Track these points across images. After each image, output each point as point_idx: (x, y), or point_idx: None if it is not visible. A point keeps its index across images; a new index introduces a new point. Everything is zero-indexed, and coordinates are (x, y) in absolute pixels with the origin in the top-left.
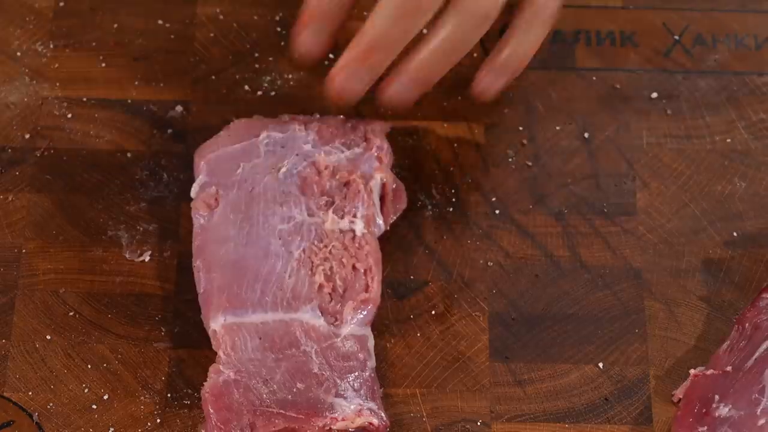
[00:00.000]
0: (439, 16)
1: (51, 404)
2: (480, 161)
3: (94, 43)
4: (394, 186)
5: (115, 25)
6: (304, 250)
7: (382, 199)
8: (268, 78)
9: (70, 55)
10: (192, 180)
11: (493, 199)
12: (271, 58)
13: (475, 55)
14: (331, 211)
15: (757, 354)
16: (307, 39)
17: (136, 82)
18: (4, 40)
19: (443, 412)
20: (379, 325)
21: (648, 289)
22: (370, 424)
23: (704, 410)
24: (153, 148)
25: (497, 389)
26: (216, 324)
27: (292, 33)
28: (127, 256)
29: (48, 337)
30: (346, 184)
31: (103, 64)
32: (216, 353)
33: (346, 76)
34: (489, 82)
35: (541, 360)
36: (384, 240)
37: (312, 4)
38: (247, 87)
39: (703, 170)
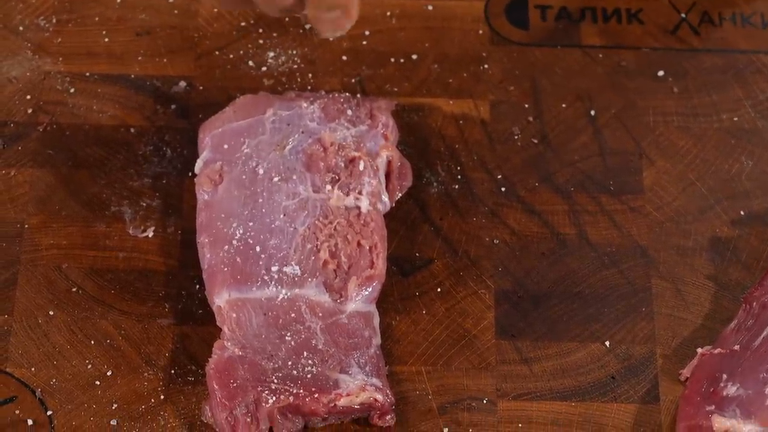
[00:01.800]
0: None
1: (54, 380)
2: (486, 138)
3: (96, 18)
4: (399, 163)
5: (118, 0)
6: (309, 227)
7: (387, 176)
8: (272, 54)
9: (72, 29)
10: (196, 156)
11: (499, 176)
12: (275, 34)
13: (480, 32)
14: (336, 188)
15: (764, 333)
16: None
17: (140, 57)
18: (7, 15)
19: (449, 389)
20: (384, 303)
21: (655, 268)
22: (375, 400)
23: (712, 389)
24: (156, 123)
25: (503, 367)
26: (221, 300)
27: None
28: (130, 231)
29: (51, 312)
30: (352, 161)
31: (106, 39)
32: (220, 329)
33: None
34: None
35: (548, 338)
36: (389, 217)
37: None
38: (251, 63)
39: (709, 148)
